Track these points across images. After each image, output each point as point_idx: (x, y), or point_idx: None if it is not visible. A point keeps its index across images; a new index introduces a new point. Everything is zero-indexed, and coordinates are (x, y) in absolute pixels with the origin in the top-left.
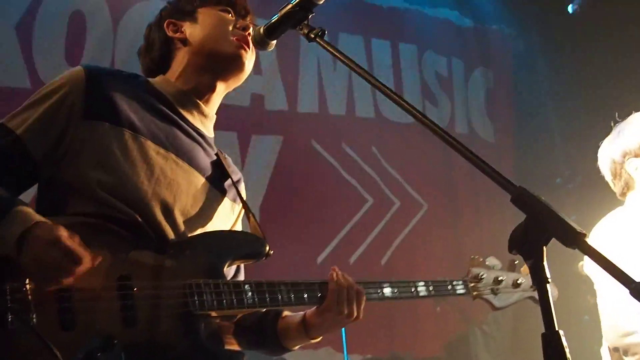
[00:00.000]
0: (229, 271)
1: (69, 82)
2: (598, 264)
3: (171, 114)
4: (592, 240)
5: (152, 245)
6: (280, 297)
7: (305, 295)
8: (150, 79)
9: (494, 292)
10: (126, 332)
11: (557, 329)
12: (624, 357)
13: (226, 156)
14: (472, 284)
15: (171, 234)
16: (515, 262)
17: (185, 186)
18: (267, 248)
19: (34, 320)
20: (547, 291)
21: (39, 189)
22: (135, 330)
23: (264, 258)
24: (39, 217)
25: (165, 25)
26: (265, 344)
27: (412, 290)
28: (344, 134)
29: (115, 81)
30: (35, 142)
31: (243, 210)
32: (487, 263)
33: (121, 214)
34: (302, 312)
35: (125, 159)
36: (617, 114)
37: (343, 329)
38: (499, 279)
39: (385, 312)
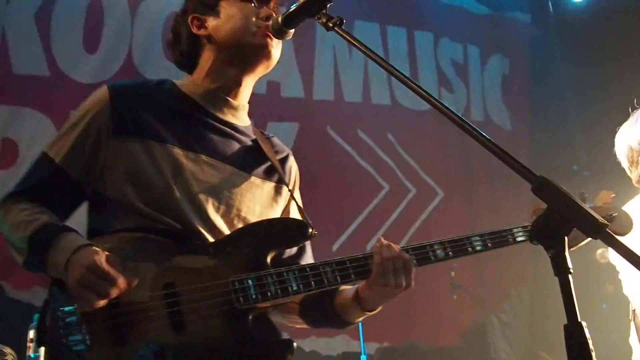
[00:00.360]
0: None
1: (96, 104)
2: (620, 254)
3: (199, 114)
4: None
5: (193, 248)
6: (325, 279)
7: (352, 272)
8: (177, 82)
9: None
10: (176, 337)
11: (579, 320)
12: None
13: (270, 136)
14: None
15: (213, 235)
16: (585, 195)
17: (220, 184)
18: (310, 230)
19: (88, 341)
20: (569, 282)
21: (88, 206)
22: (185, 335)
23: (308, 239)
24: (82, 242)
25: (190, 20)
26: (329, 320)
27: (467, 247)
28: (359, 121)
29: (140, 94)
30: (74, 167)
31: (292, 193)
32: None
33: (160, 223)
34: (355, 286)
35: (154, 170)
36: (635, 100)
37: None
38: None
39: (402, 301)
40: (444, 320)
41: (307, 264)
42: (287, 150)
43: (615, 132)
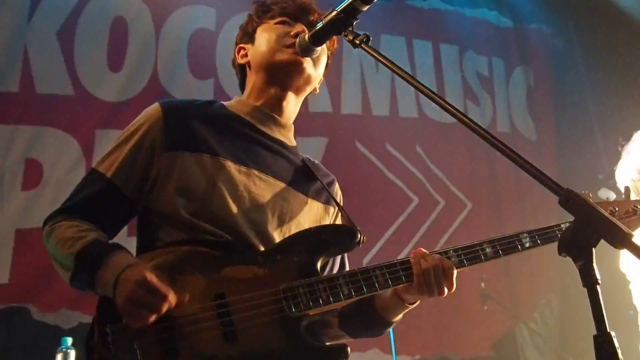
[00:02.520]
0: (333, 264)
1: (148, 120)
2: None
3: (249, 131)
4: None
5: (243, 259)
6: (376, 282)
7: (402, 275)
8: (225, 103)
9: None
10: (229, 348)
11: (608, 330)
12: None
13: (315, 161)
14: None
15: (265, 246)
16: (615, 209)
17: (271, 198)
18: (359, 236)
19: (139, 356)
20: (597, 293)
21: (137, 222)
22: (237, 345)
23: (357, 246)
24: (131, 260)
25: (237, 51)
26: (371, 326)
27: (517, 244)
28: (387, 135)
29: (191, 111)
30: (126, 181)
31: (340, 213)
32: (599, 194)
33: (211, 235)
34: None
35: (207, 182)
36: (620, 138)
37: (391, 331)
38: (614, 209)
39: (433, 313)
40: (475, 331)
41: (357, 269)
42: (332, 176)
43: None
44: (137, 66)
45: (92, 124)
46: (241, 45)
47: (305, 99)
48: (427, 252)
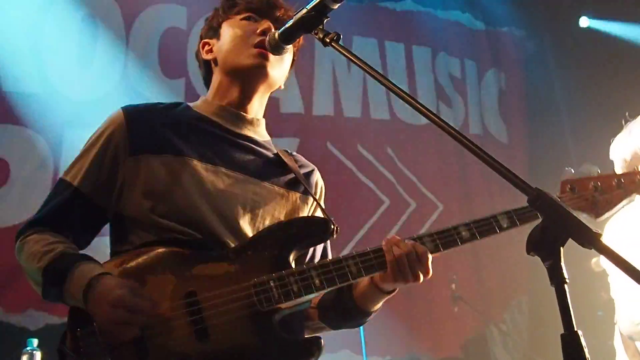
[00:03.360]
0: (314, 254)
1: (111, 126)
2: (614, 263)
3: (216, 130)
4: (606, 237)
5: (214, 256)
6: (349, 272)
7: (375, 263)
8: (190, 104)
9: (592, 200)
10: (200, 345)
11: (575, 329)
12: (638, 345)
13: (293, 153)
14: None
15: (237, 242)
16: (597, 169)
17: (242, 194)
18: (332, 226)
19: (110, 359)
20: (565, 292)
21: (109, 227)
22: (209, 342)
23: (331, 236)
24: (95, 271)
25: (201, 46)
26: (350, 317)
27: (494, 226)
28: (359, 136)
29: (154, 114)
30: (93, 189)
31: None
32: (581, 170)
33: (180, 234)
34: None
35: (174, 182)
36: (627, 113)
37: (362, 332)
38: (597, 184)
39: (404, 314)
40: (445, 333)
41: (329, 259)
42: (312, 166)
43: (609, 144)
44: (107, 65)
45: (61, 123)
46: (206, 40)
47: (277, 99)
48: (400, 239)
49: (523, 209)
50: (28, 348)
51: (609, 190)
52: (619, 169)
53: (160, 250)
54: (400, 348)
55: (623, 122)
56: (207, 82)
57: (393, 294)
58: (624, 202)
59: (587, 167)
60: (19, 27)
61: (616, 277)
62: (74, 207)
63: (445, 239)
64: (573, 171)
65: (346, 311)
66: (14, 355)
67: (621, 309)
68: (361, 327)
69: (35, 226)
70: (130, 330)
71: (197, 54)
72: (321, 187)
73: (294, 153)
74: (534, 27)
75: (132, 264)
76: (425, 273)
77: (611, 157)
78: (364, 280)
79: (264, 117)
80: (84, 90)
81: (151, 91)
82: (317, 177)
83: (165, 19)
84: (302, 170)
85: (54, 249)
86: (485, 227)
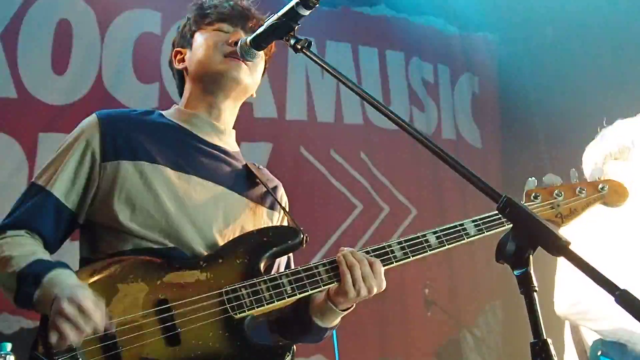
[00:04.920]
0: (279, 265)
1: (85, 131)
2: (583, 271)
3: (188, 139)
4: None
5: (186, 264)
6: (320, 279)
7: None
8: (163, 112)
9: (554, 208)
10: (172, 351)
11: (544, 337)
12: (581, 327)
13: (260, 167)
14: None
15: (207, 251)
16: (575, 172)
17: (214, 203)
18: (302, 236)
19: None
20: (535, 300)
21: (80, 233)
22: (180, 348)
23: (300, 246)
24: (70, 280)
25: (173, 55)
26: (308, 332)
27: (461, 233)
28: (332, 141)
29: (128, 121)
30: (66, 193)
31: (286, 217)
32: (544, 180)
33: (153, 243)
34: (325, 292)
35: (147, 190)
36: (605, 120)
37: (335, 337)
38: (559, 193)
39: (377, 319)
40: (418, 338)
41: (301, 266)
42: (277, 181)
43: (583, 149)
44: (82, 69)
45: (36, 127)
46: (178, 49)
47: (250, 104)
48: (353, 250)
49: (490, 216)
50: (1, 352)
51: (572, 200)
52: (588, 173)
53: (132, 258)
54: (374, 353)
55: (598, 130)
56: (180, 90)
57: (348, 311)
58: (587, 211)
59: (550, 178)
60: None
61: (562, 264)
62: (47, 210)
63: (414, 246)
64: (536, 181)
65: (303, 326)
66: None
67: (559, 289)
68: (334, 332)
69: (6, 230)
70: (72, 331)
71: (170, 63)
72: (286, 203)
73: (261, 167)
74: (507, 32)
75: (104, 272)
76: (380, 285)
77: (583, 162)
78: (320, 297)
79: (235, 121)
80: (58, 95)
81: (125, 96)
82: (282, 192)
83: (139, 24)
84: (269, 185)
85: (26, 254)
86: (452, 235)
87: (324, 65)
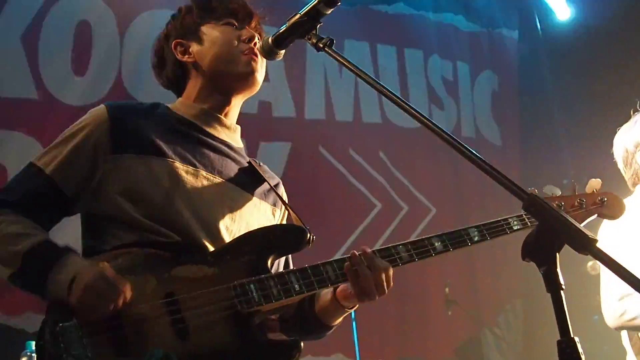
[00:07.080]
0: (278, 265)
1: (93, 121)
2: (609, 268)
3: (195, 133)
4: (601, 233)
5: (194, 259)
6: (327, 278)
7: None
8: (169, 105)
9: None
10: (181, 345)
11: (572, 335)
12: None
13: (261, 164)
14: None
15: (213, 246)
16: (575, 183)
17: (220, 198)
18: (308, 235)
19: (89, 354)
20: (561, 298)
21: (82, 224)
22: (189, 342)
23: (307, 245)
24: (86, 262)
25: (173, 46)
26: (311, 330)
27: (465, 238)
28: (351, 140)
29: (137, 113)
30: (64, 179)
31: (287, 213)
32: (544, 191)
33: (161, 236)
34: (331, 290)
35: (155, 183)
36: (638, 103)
37: (355, 335)
38: (560, 204)
39: (397, 318)
40: (438, 336)
41: (308, 265)
42: (277, 178)
43: (603, 146)
44: (102, 70)
45: (57, 128)
46: (179, 40)
47: (269, 103)
48: (365, 248)
49: (493, 223)
50: (27, 351)
51: (573, 210)
52: (619, 159)
53: (139, 251)
54: (394, 352)
55: (631, 112)
56: (177, 82)
57: (352, 309)
58: (585, 222)
59: (549, 189)
60: (15, 33)
61: (603, 276)
62: (43, 194)
63: (419, 249)
64: (536, 191)
65: (307, 324)
66: (12, 358)
67: (604, 304)
68: (354, 331)
69: (4, 207)
70: (104, 305)
71: (162, 51)
72: (286, 200)
73: (262, 164)
74: (527, 29)
75: (112, 264)
76: (388, 287)
77: (614, 145)
78: (327, 295)
79: (253, 121)
80: (79, 96)
81: (145, 96)
82: (282, 189)
83: (159, 24)
84: (271, 182)
85: (34, 234)
86: (456, 240)
87: (346, 63)
